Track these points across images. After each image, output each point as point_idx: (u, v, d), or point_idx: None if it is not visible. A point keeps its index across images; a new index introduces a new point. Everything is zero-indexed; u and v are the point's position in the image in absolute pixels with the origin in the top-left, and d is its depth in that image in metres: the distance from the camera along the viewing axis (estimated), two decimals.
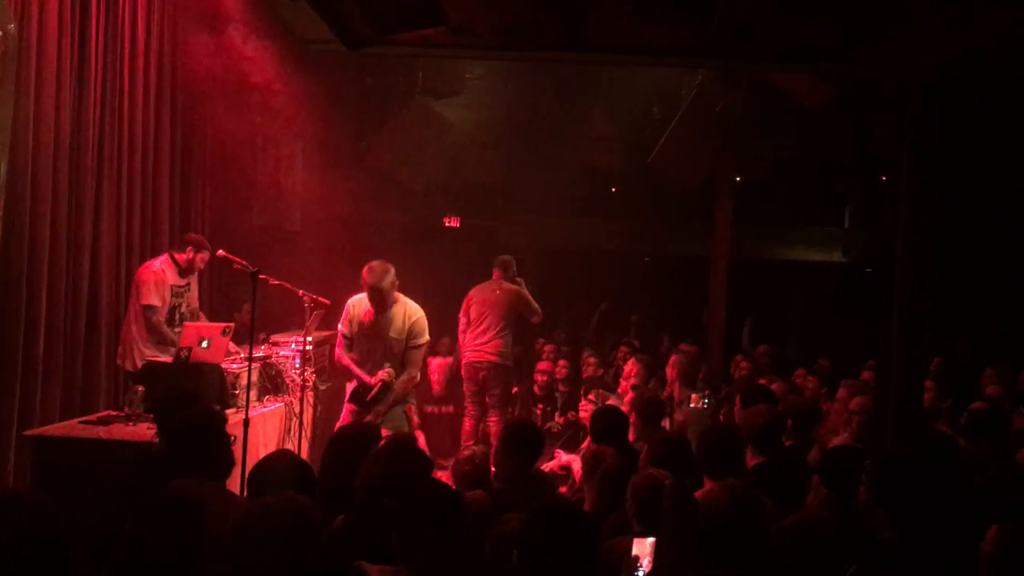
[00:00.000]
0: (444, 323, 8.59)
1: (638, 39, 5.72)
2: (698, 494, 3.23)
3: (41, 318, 5.47)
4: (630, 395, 6.11)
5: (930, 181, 6.51)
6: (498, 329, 7.54)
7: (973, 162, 10.45)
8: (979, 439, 4.85)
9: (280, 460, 3.39)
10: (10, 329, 5.30)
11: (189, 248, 6.14)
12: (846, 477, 3.54)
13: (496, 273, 7.84)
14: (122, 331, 6.08)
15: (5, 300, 5.26)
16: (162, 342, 5.93)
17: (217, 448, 3.37)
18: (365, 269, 5.63)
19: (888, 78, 6.87)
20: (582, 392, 7.30)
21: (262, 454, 4.60)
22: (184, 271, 6.17)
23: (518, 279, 7.82)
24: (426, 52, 7.08)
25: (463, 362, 7.73)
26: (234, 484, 4.24)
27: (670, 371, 6.31)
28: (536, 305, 7.78)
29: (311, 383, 6.56)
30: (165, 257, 6.14)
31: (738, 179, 11.61)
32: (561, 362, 9.01)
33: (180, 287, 6.15)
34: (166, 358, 5.73)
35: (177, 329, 5.91)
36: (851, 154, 11.84)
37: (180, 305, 6.19)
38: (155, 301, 5.91)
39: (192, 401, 4.10)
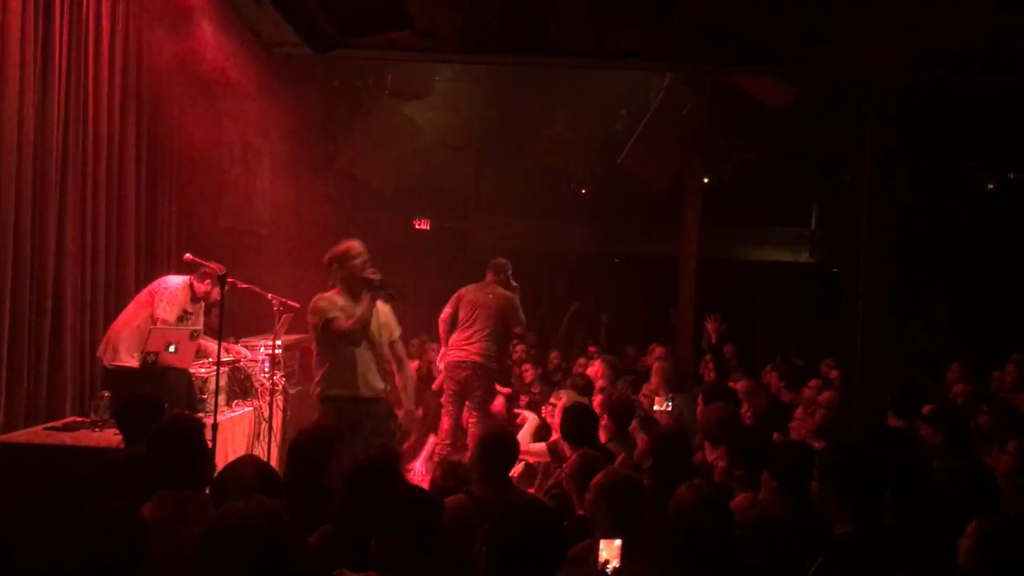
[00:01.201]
0: (414, 325, 8.60)
1: (601, 41, 5.74)
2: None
3: (5, 322, 5.39)
4: (599, 397, 6.16)
5: (891, 180, 6.64)
6: (487, 332, 7.44)
7: (933, 161, 10.67)
8: (940, 434, 4.93)
9: (244, 465, 3.38)
10: None
11: (208, 281, 6.02)
12: (795, 471, 3.58)
13: (490, 276, 7.75)
14: (112, 326, 5.95)
15: None
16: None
17: (197, 456, 3.32)
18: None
19: (848, 80, 6.99)
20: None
21: (232, 459, 4.58)
22: (196, 299, 6.09)
23: (514, 283, 7.76)
24: (392, 55, 7.04)
25: (445, 361, 7.61)
26: None
27: (655, 377, 6.44)
28: (523, 316, 7.74)
29: (280, 387, 6.54)
30: (186, 281, 6.06)
31: (706, 180, 11.71)
32: (525, 366, 9.08)
33: (188, 314, 6.07)
34: (133, 363, 5.67)
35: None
36: (816, 155, 12.00)
37: None
38: (169, 318, 5.82)
39: (157, 407, 4.07)
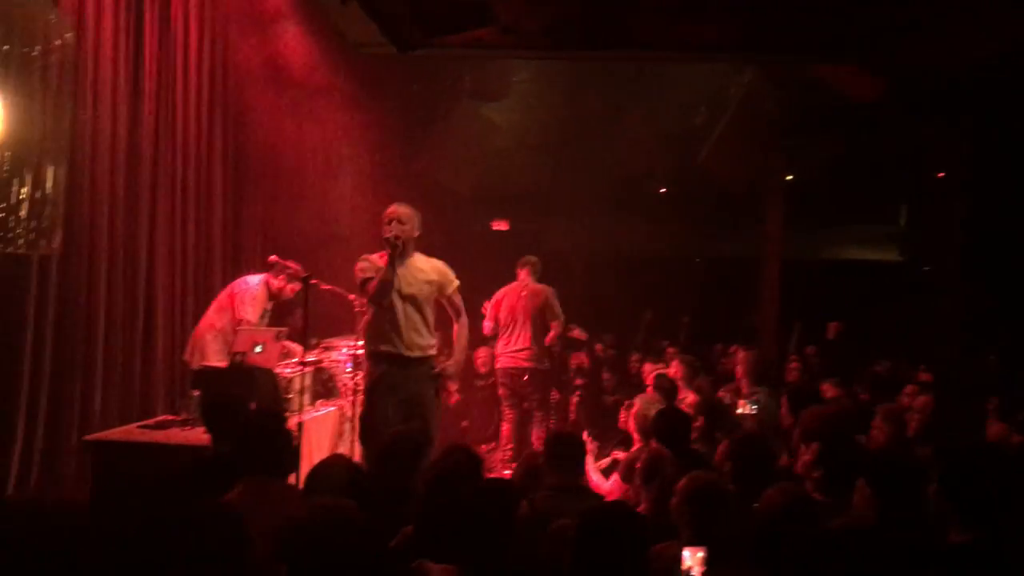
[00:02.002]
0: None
1: (685, 35, 5.65)
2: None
3: (100, 325, 5.58)
4: (692, 397, 5.98)
5: (990, 175, 6.37)
6: (528, 334, 7.39)
7: None
8: None
9: (334, 465, 3.41)
10: (70, 336, 5.42)
11: (282, 277, 6.12)
12: (891, 479, 3.43)
13: (521, 274, 7.67)
14: (196, 330, 6.06)
15: (65, 308, 5.38)
16: None
17: (279, 445, 3.38)
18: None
19: (941, 71, 6.73)
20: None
21: (316, 457, 4.64)
22: (271, 296, 6.18)
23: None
24: (475, 53, 7.03)
25: (497, 367, 7.58)
26: None
27: (739, 368, 6.26)
28: (559, 309, 7.54)
29: (362, 387, 6.60)
30: (263, 279, 6.17)
31: (788, 178, 11.44)
32: (605, 374, 8.95)
33: (268, 312, 6.20)
34: (221, 364, 5.79)
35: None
36: (905, 150, 11.60)
37: None
38: (252, 318, 5.92)
39: (242, 406, 4.14)
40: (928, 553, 2.80)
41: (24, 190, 3.26)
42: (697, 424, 4.89)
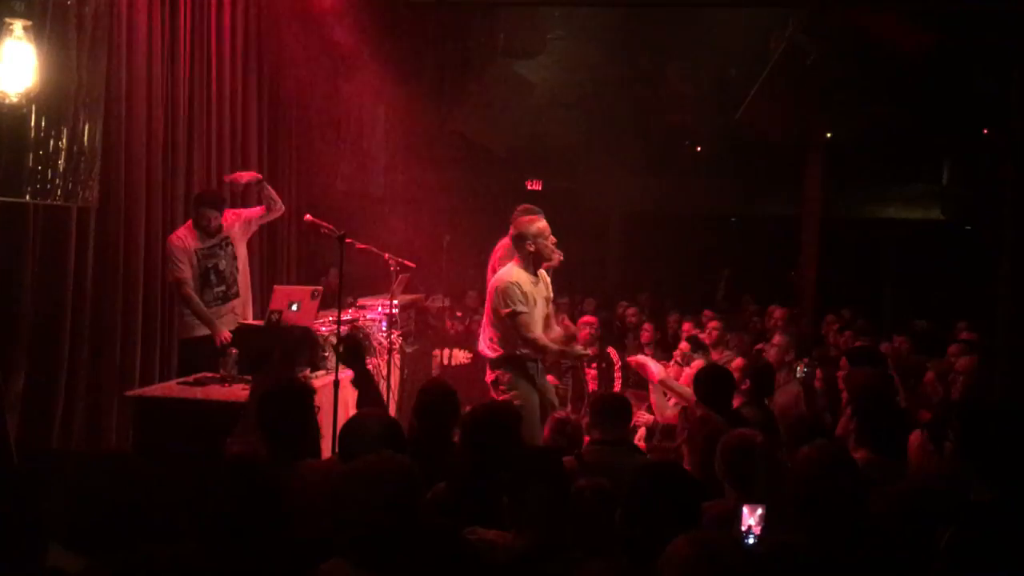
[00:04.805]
0: None
1: None
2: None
3: (139, 283, 5.62)
4: (739, 360, 5.91)
5: None
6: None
7: None
8: None
9: (370, 419, 3.38)
10: (109, 294, 5.46)
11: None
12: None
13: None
14: None
15: (103, 266, 5.42)
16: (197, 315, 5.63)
17: (304, 429, 3.32)
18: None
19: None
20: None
21: (350, 415, 4.64)
22: (205, 231, 5.65)
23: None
24: (517, 1, 6.78)
25: None
26: (326, 444, 4.31)
27: (777, 330, 6.18)
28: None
29: (398, 346, 6.61)
30: (185, 226, 5.71)
31: (829, 135, 11.19)
32: (646, 325, 8.83)
33: (209, 247, 5.69)
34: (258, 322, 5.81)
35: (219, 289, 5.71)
36: (949, 107, 11.30)
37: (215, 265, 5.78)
38: (185, 276, 5.54)
39: (285, 360, 4.14)
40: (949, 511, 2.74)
41: (61, 142, 3.24)
42: (744, 387, 4.84)
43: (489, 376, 5.23)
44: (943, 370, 5.61)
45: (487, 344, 5.21)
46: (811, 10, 8.51)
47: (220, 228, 5.70)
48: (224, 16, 6.43)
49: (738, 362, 5.69)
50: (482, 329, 5.37)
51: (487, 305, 5.28)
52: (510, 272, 5.10)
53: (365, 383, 4.16)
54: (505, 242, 6.18)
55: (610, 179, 12.64)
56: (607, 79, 11.39)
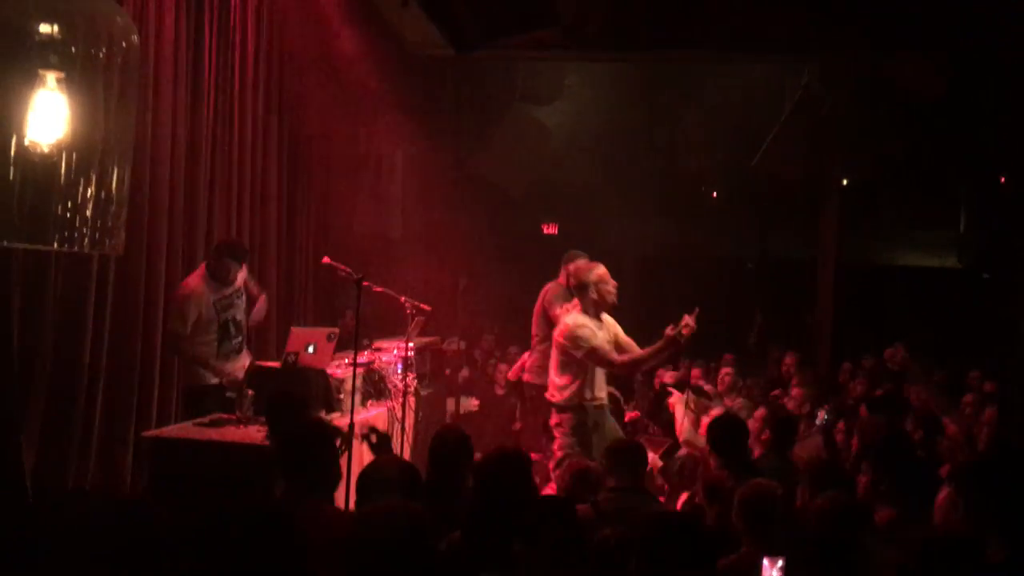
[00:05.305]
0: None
1: (751, 34, 5.54)
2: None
3: (158, 324, 5.66)
4: (761, 410, 5.88)
5: None
6: (536, 341, 6.49)
7: None
8: None
9: (388, 464, 3.39)
10: (129, 334, 5.51)
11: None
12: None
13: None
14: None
15: (124, 306, 5.47)
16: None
17: (325, 463, 3.32)
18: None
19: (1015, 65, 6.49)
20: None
21: (366, 458, 4.64)
22: (219, 281, 5.50)
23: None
24: (536, 55, 6.96)
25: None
26: (341, 488, 4.30)
27: (794, 378, 6.14)
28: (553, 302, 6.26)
29: (413, 388, 6.61)
30: (198, 273, 5.55)
31: (844, 181, 11.22)
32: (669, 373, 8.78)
33: (221, 301, 5.53)
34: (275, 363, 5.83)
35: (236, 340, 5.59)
36: (966, 154, 11.32)
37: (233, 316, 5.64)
38: (183, 331, 5.35)
39: (302, 405, 4.16)
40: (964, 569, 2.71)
41: (90, 190, 3.31)
42: (764, 437, 4.79)
43: (553, 419, 5.35)
44: (960, 420, 5.56)
45: (553, 389, 5.34)
46: (824, 61, 8.59)
47: (236, 279, 5.65)
48: (248, 61, 6.55)
49: (760, 412, 5.65)
50: (549, 375, 5.46)
51: (553, 352, 5.41)
52: (575, 318, 5.26)
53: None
54: (552, 286, 6.28)
55: (626, 223, 12.68)
56: (623, 124, 11.50)
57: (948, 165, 11.75)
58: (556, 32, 5.45)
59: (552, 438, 5.42)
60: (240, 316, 5.73)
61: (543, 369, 6.10)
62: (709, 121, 11.59)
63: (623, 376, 6.68)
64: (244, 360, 5.73)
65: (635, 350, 5.37)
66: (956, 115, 9.51)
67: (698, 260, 13.08)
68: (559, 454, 5.24)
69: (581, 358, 5.16)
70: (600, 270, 5.32)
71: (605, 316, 5.37)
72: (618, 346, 5.35)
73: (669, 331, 5.06)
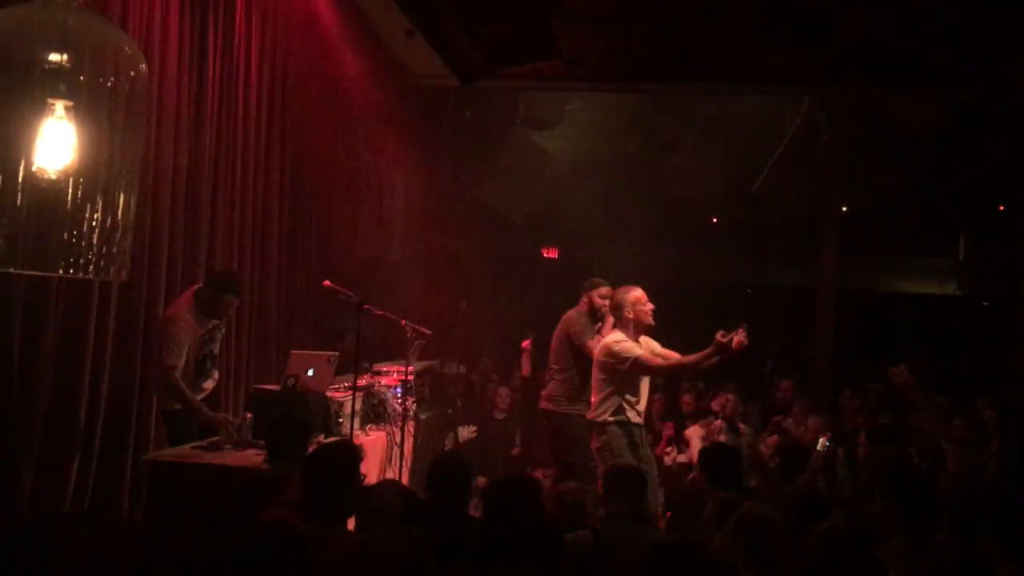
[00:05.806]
0: (544, 353, 8.56)
1: (751, 66, 5.61)
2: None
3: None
4: (774, 438, 5.93)
5: None
6: (556, 369, 6.36)
7: None
8: None
9: (388, 490, 3.39)
10: (129, 358, 5.52)
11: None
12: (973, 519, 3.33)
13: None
14: None
15: (126, 329, 5.48)
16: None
17: (350, 488, 3.31)
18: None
19: (1012, 99, 6.57)
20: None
21: (365, 481, 4.63)
22: (207, 312, 5.38)
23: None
24: (538, 85, 7.07)
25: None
26: None
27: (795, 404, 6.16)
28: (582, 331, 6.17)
29: (412, 412, 6.61)
30: (185, 302, 5.37)
31: (844, 209, 11.25)
32: (656, 397, 8.77)
33: (206, 334, 5.45)
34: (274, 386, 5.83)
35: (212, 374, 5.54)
36: (964, 182, 11.37)
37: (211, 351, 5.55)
38: (178, 363, 5.17)
39: (303, 429, 4.16)
40: None
41: (96, 217, 3.34)
42: (773, 465, 4.82)
43: (595, 443, 5.45)
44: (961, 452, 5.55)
45: (595, 410, 5.49)
46: (823, 94, 8.67)
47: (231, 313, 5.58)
48: (251, 86, 6.60)
49: (772, 440, 5.69)
50: (593, 395, 5.60)
51: (594, 372, 5.56)
52: (613, 335, 5.47)
53: None
54: (573, 315, 6.31)
55: (625, 248, 12.72)
56: (624, 150, 11.55)
57: (947, 193, 11.80)
58: (558, 63, 5.52)
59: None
60: (217, 350, 5.64)
61: (563, 398, 6.16)
62: (709, 148, 11.65)
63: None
64: (209, 384, 5.67)
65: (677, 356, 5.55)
66: (955, 143, 9.56)
67: (697, 286, 13.10)
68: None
69: (627, 370, 5.30)
70: (637, 292, 5.53)
71: (645, 338, 5.55)
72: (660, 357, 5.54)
73: (720, 337, 5.09)
